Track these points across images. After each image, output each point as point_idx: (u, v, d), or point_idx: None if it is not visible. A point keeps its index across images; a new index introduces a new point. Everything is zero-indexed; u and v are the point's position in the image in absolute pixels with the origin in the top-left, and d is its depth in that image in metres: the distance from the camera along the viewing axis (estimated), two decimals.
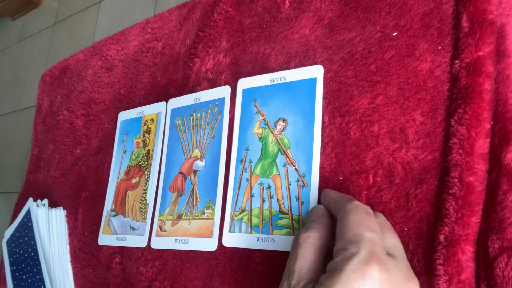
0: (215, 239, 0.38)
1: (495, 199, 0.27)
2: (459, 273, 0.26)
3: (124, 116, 0.53)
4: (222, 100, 0.42)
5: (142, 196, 0.46)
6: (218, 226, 0.38)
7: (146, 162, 0.47)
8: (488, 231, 0.27)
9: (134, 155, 0.49)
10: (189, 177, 0.42)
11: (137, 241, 0.44)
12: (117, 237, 0.47)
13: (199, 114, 0.44)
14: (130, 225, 0.46)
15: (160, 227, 0.43)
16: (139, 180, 0.47)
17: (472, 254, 0.26)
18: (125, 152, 0.50)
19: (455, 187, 0.27)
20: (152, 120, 0.49)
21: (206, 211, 0.39)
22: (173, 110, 0.46)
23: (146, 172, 0.47)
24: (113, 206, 0.49)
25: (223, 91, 0.42)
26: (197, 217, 0.40)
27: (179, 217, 0.41)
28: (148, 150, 0.47)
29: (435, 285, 0.26)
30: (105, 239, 0.48)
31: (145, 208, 0.45)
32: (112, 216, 0.48)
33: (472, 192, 0.26)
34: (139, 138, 0.49)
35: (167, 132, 0.46)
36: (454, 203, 0.27)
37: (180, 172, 0.43)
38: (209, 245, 0.38)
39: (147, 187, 0.46)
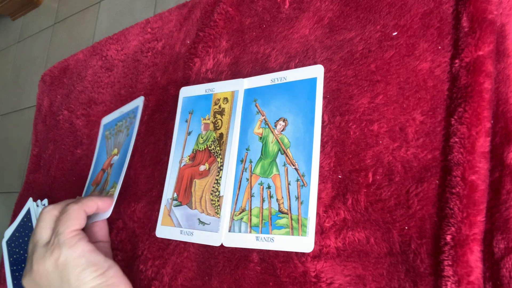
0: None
1: (499, 199, 0.27)
2: (468, 274, 0.25)
3: (187, 92, 0.46)
4: (136, 108, 0.52)
5: (213, 187, 0.40)
6: (115, 197, 0.45)
7: (218, 148, 0.41)
8: (493, 231, 0.27)
9: (202, 138, 0.42)
10: (107, 170, 0.51)
11: (209, 238, 0.38)
12: (181, 230, 0.40)
13: (120, 123, 0.54)
14: (199, 219, 0.39)
15: None
16: (209, 168, 0.41)
17: (480, 254, 0.26)
18: (189, 133, 0.44)
19: (458, 186, 0.27)
20: (226, 99, 0.42)
21: (110, 190, 0.47)
22: (105, 126, 0.56)
23: (218, 159, 0.40)
24: (175, 195, 0.42)
25: (137, 101, 0.52)
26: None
27: None
28: (221, 134, 0.41)
29: (442, 286, 0.26)
30: (165, 231, 0.41)
31: (218, 200, 0.39)
32: (174, 206, 0.42)
33: (476, 190, 0.26)
34: (209, 119, 0.43)
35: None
36: (459, 202, 0.26)
37: (101, 169, 0.52)
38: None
39: (220, 177, 0.40)
